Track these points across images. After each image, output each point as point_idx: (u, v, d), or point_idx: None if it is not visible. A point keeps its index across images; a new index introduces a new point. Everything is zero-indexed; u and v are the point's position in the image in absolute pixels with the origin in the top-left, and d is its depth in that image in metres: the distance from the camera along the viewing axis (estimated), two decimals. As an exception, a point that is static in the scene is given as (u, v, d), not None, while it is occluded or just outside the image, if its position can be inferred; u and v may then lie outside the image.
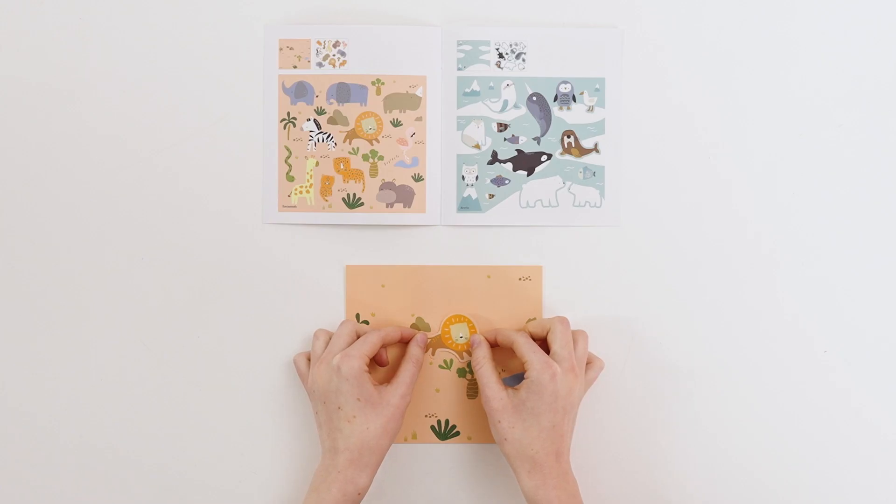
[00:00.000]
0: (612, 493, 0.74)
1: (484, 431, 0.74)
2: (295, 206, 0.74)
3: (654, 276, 0.75)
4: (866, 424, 0.75)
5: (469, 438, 0.75)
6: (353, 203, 0.74)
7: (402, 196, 0.74)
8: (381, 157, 0.74)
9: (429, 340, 0.74)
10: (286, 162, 0.74)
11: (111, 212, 0.74)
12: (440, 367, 0.75)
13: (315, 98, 0.74)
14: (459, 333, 0.75)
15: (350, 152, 0.74)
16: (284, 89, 0.74)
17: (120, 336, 0.74)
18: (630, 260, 0.75)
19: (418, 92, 0.74)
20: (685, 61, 0.75)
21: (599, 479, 0.74)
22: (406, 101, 0.74)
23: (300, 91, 0.74)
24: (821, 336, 0.75)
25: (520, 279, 0.74)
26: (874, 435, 0.75)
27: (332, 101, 0.74)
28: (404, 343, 0.74)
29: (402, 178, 0.74)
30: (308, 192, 0.74)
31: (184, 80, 0.74)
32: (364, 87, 0.74)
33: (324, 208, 0.74)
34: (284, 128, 0.74)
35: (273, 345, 0.74)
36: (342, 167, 0.74)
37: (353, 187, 0.74)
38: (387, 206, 0.74)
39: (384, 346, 0.72)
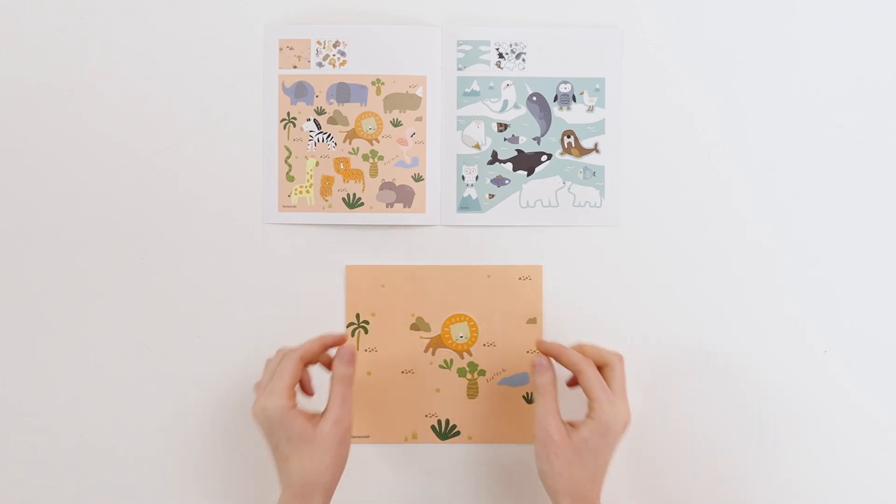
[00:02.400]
0: (612, 491, 0.74)
1: (484, 431, 0.74)
2: (295, 206, 0.74)
3: (654, 276, 0.75)
4: (866, 423, 0.75)
5: (469, 438, 0.75)
6: (353, 203, 0.74)
7: (402, 196, 0.74)
8: (381, 157, 0.74)
9: (429, 340, 0.74)
10: (286, 162, 0.74)
11: (111, 212, 0.74)
12: (440, 366, 0.74)
13: (315, 98, 0.74)
14: (459, 333, 0.74)
15: (350, 152, 0.74)
16: (284, 89, 0.74)
17: (120, 336, 0.74)
18: (630, 260, 0.75)
19: (418, 92, 0.74)
20: (685, 61, 0.75)
21: (599, 478, 0.74)
22: (406, 101, 0.74)
23: (300, 91, 0.74)
24: (821, 336, 0.75)
25: (520, 279, 0.74)
26: (874, 434, 0.75)
27: (332, 101, 0.74)
28: (337, 345, 0.67)
29: (402, 178, 0.74)
30: (308, 192, 0.74)
31: (184, 80, 0.74)
32: (364, 87, 0.74)
33: (324, 208, 0.74)
34: (284, 128, 0.74)
35: (273, 345, 0.74)
36: (342, 167, 0.74)
37: (353, 187, 0.74)
38: (387, 206, 0.74)
39: (307, 364, 0.66)
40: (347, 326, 0.74)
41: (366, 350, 0.74)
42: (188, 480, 0.74)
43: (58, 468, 0.74)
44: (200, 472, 0.75)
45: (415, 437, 0.75)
